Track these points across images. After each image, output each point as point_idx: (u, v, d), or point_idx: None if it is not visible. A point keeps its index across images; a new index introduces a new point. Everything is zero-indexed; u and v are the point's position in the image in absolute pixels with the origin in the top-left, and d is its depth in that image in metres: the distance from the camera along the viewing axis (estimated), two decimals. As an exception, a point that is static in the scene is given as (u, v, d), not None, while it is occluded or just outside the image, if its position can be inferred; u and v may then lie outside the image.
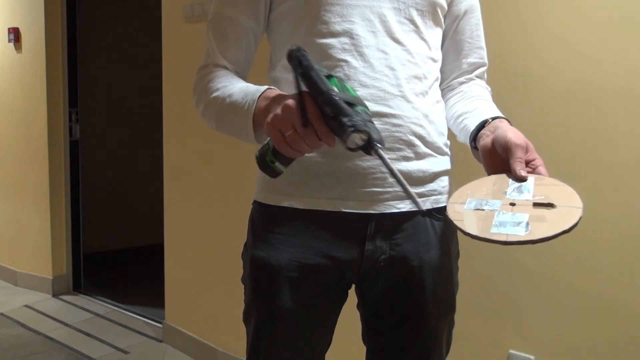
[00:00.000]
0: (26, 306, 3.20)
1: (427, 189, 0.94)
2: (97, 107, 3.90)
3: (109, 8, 4.02)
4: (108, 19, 4.01)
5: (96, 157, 3.90)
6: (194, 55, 2.40)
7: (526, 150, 0.82)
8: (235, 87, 0.90)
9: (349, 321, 1.06)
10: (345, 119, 0.70)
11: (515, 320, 1.58)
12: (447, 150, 0.99)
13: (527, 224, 0.73)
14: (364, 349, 1.05)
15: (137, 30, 3.96)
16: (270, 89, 0.86)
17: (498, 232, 0.73)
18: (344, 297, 1.00)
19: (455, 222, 0.76)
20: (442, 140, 0.97)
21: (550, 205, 0.76)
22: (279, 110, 0.75)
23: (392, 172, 0.71)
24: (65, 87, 3.38)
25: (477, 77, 1.04)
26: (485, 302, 1.62)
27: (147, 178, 3.64)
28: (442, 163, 0.96)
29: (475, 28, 1.03)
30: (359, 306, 1.03)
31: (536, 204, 0.76)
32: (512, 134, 0.82)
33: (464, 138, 0.96)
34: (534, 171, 0.81)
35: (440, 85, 1.02)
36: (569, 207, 0.75)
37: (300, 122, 0.72)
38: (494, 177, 0.83)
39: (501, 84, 1.55)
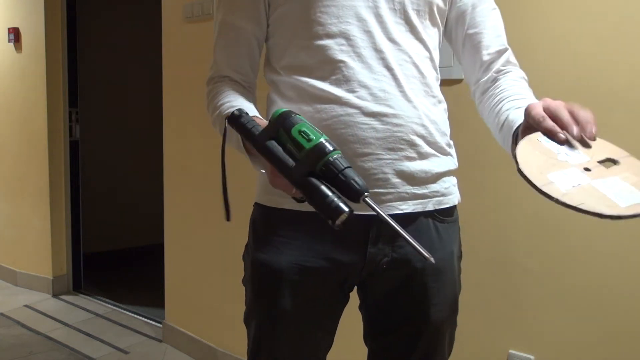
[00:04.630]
0: (26, 306, 3.20)
1: (429, 190, 0.93)
2: (97, 107, 3.90)
3: (109, 8, 4.02)
4: (108, 19, 4.01)
5: (96, 157, 3.90)
6: (194, 55, 2.40)
7: (549, 109, 0.72)
8: (228, 103, 0.93)
9: (351, 322, 1.06)
10: (324, 207, 0.69)
11: (515, 320, 1.58)
12: (450, 150, 0.98)
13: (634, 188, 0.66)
14: (365, 350, 1.05)
15: (137, 30, 3.96)
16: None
17: (629, 204, 0.65)
18: (346, 299, 0.99)
19: (586, 208, 0.64)
20: (444, 140, 0.96)
21: (613, 161, 0.71)
22: (270, 175, 0.77)
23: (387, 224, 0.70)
24: (65, 87, 3.38)
25: (505, 65, 0.96)
26: (485, 302, 1.62)
27: (147, 178, 3.64)
28: (445, 163, 0.95)
29: (488, 19, 0.97)
30: (361, 307, 1.03)
31: (601, 161, 0.71)
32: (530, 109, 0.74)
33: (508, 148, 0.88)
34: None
35: (472, 88, 1.00)
36: (627, 157, 0.72)
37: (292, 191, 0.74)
38: (527, 147, 0.72)
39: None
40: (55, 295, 3.38)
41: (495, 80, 0.95)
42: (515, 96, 0.90)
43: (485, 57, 0.96)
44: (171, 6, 2.48)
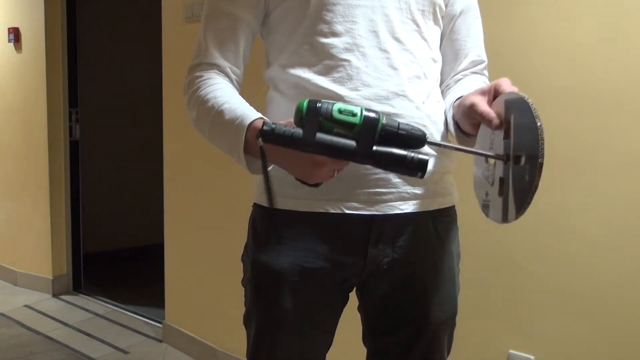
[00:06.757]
0: (26, 306, 3.20)
1: (429, 191, 0.93)
2: (97, 107, 3.90)
3: (109, 8, 4.02)
4: (108, 19, 4.01)
5: (96, 157, 3.90)
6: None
7: (486, 98, 0.81)
8: (226, 103, 0.86)
9: (351, 322, 1.06)
10: (406, 165, 0.72)
11: (515, 320, 1.58)
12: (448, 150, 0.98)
13: None
14: (364, 350, 1.05)
15: (137, 30, 3.96)
16: (260, 118, 0.82)
17: None
18: (346, 299, 0.99)
19: None
20: (443, 141, 0.96)
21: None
22: (312, 170, 0.77)
23: (460, 150, 0.78)
24: (65, 87, 3.38)
25: (474, 72, 1.02)
26: (485, 302, 1.62)
27: (147, 178, 3.64)
28: (444, 163, 0.96)
29: (472, 27, 1.01)
30: (360, 308, 1.03)
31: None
32: (466, 101, 0.83)
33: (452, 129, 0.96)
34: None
35: (440, 86, 1.02)
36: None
37: (334, 171, 0.77)
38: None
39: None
40: (55, 295, 3.38)
41: (458, 80, 1.00)
42: (470, 88, 0.94)
43: (462, 64, 1.01)
44: (171, 6, 2.48)
